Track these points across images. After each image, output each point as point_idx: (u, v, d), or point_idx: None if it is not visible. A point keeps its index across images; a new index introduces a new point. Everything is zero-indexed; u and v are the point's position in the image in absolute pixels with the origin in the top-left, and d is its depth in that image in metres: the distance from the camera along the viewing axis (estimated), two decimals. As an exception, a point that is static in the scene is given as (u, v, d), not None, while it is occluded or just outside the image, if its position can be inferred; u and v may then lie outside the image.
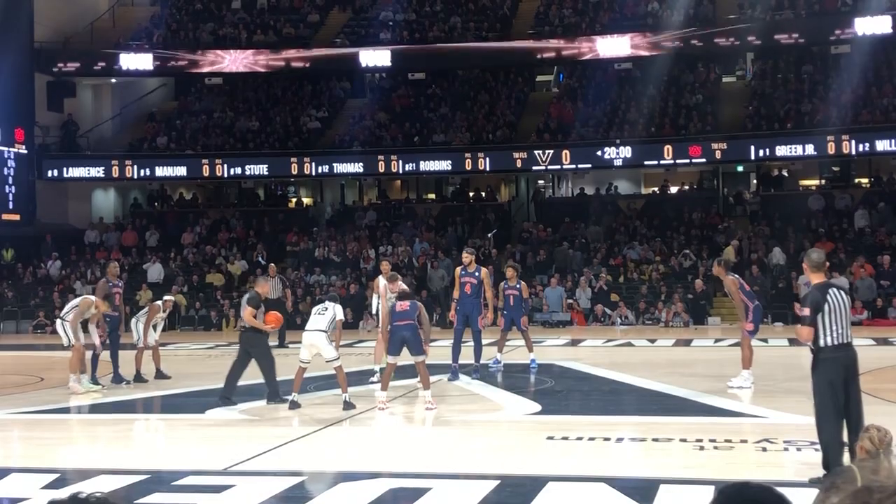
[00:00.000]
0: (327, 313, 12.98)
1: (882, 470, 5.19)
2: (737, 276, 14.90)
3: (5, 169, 32.50)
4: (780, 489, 7.22)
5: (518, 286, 16.89)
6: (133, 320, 16.72)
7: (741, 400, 13.12)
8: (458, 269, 15.79)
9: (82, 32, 36.89)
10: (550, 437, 10.49)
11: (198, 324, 29.78)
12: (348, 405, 12.66)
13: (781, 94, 34.06)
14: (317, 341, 12.86)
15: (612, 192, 35.43)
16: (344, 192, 38.51)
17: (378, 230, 34.15)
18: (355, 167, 34.39)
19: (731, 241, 29.89)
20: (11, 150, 32.75)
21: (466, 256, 15.79)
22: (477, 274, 15.60)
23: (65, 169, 34.86)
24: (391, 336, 12.88)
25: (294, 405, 12.81)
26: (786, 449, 9.67)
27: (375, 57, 35.01)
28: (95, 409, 13.67)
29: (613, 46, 33.70)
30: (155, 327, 16.58)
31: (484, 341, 16.04)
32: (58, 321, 15.54)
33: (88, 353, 15.43)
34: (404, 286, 14.22)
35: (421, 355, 12.83)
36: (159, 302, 16.74)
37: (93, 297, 15.40)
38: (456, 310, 15.71)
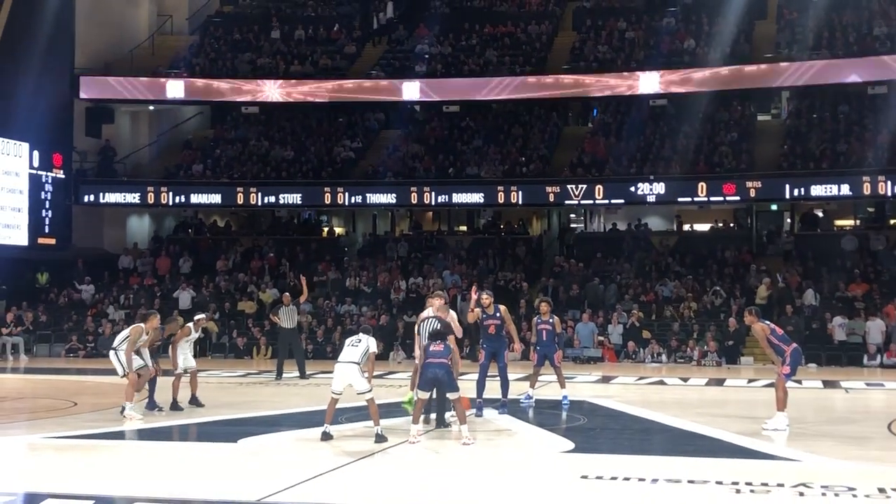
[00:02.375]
0: (360, 345, 12.97)
1: None
2: (768, 322, 14.74)
3: (43, 193, 32.89)
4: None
5: (551, 321, 16.82)
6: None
7: (776, 442, 12.97)
8: (479, 311, 15.53)
9: (122, 59, 37.37)
10: (584, 476, 10.41)
11: (228, 351, 29.88)
12: (380, 438, 12.63)
13: (817, 133, 33.95)
14: (349, 373, 12.85)
15: (641, 226, 35.34)
16: (376, 223, 38.64)
17: (409, 261, 34.21)
18: (388, 198, 34.53)
19: (763, 279, 29.72)
20: (49, 174, 33.16)
21: (486, 299, 15.62)
22: (498, 314, 15.56)
23: (101, 194, 35.21)
24: (423, 373, 12.86)
25: (326, 436, 12.80)
26: (823, 494, 9.54)
27: (414, 90, 35.26)
28: (129, 435, 13.70)
29: (648, 83, 33.72)
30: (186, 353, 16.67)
31: (515, 376, 15.97)
32: (111, 352, 15.50)
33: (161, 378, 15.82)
34: (447, 321, 14.06)
35: (456, 392, 12.83)
36: (190, 324, 16.77)
37: (143, 325, 15.45)
38: (483, 347, 15.64)
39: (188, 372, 16.38)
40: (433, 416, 14.35)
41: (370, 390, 12.89)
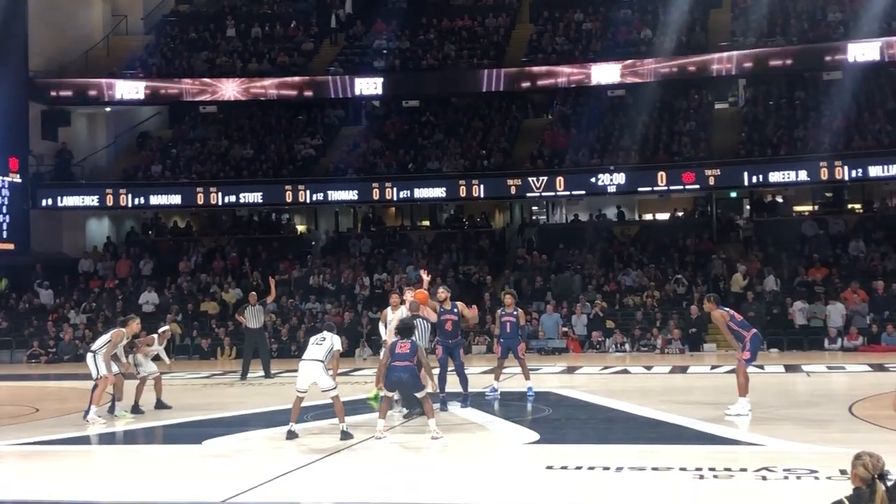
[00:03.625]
0: (325, 343, 12.96)
1: (878, 497, 5.18)
2: (727, 309, 14.81)
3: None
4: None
5: (515, 313, 16.87)
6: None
7: (739, 427, 13.10)
8: (435, 305, 15.47)
9: (77, 61, 36.98)
10: (549, 467, 10.46)
11: (192, 353, 29.69)
12: (346, 435, 12.63)
13: (774, 120, 34.26)
14: (314, 371, 12.84)
15: (602, 217, 35.54)
16: (338, 220, 38.54)
17: (373, 258, 34.16)
18: (350, 194, 34.45)
19: (737, 267, 29.81)
20: (6, 178, 32.73)
21: (442, 293, 15.73)
22: (455, 310, 15.64)
23: (59, 198, 34.80)
24: (388, 375, 12.81)
25: (292, 435, 12.77)
26: (786, 477, 9.65)
27: (370, 85, 35.18)
28: (92, 440, 13.60)
29: (606, 73, 33.87)
30: (157, 357, 16.63)
31: (480, 369, 16.02)
32: (89, 355, 15.41)
33: (127, 381, 15.73)
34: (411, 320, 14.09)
35: (421, 390, 12.87)
36: (154, 335, 16.73)
37: (124, 329, 15.34)
38: (438, 343, 15.62)
39: (151, 377, 16.29)
40: (404, 411, 14.45)
41: (335, 388, 12.88)
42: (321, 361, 12.85)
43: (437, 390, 15.01)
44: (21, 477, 11.28)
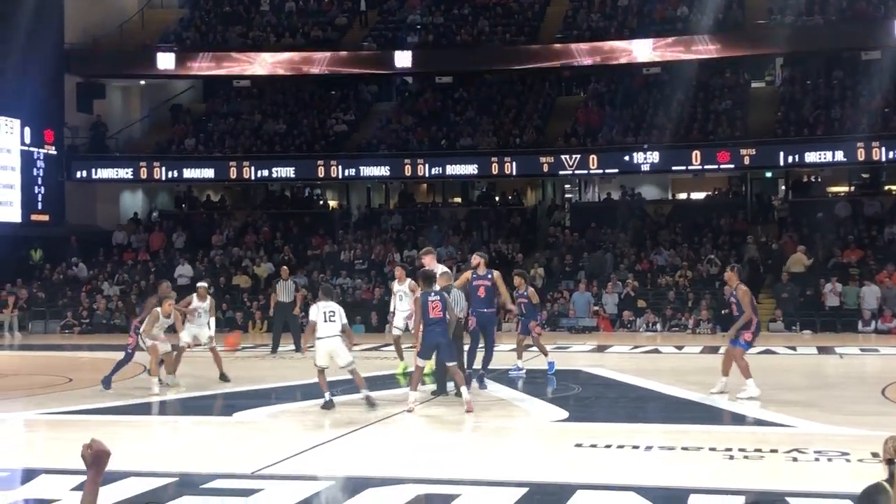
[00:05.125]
0: (336, 318, 12.98)
1: None
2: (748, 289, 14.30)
3: (34, 170, 32.76)
4: (810, 500, 7.12)
5: (526, 293, 16.86)
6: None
7: (769, 409, 12.99)
8: (469, 273, 15.11)
9: (111, 34, 37.14)
10: (578, 445, 10.43)
11: (224, 326, 29.82)
12: (369, 401, 12.80)
13: (811, 99, 33.85)
14: (334, 347, 12.90)
15: (635, 195, 35.31)
16: (370, 196, 38.55)
17: (403, 233, 34.16)
18: (381, 170, 34.44)
19: (798, 247, 29.36)
20: (41, 150, 33.02)
21: (476, 259, 15.29)
22: (489, 276, 15.00)
23: (93, 170, 35.08)
24: (425, 340, 12.86)
25: (329, 405, 12.89)
26: (817, 459, 9.57)
27: (403, 60, 35.11)
28: (123, 410, 13.71)
29: (642, 51, 33.59)
30: (209, 325, 16.53)
31: (504, 347, 16.02)
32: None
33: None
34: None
35: (453, 361, 12.91)
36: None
37: (159, 309, 15.34)
38: (472, 314, 14.95)
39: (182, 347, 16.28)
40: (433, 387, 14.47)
41: (353, 361, 13.05)
42: (339, 336, 12.92)
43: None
44: (51, 446, 11.40)
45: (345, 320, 13.08)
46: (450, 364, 13.02)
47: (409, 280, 16.17)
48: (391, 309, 16.89)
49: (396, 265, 17.02)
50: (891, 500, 4.37)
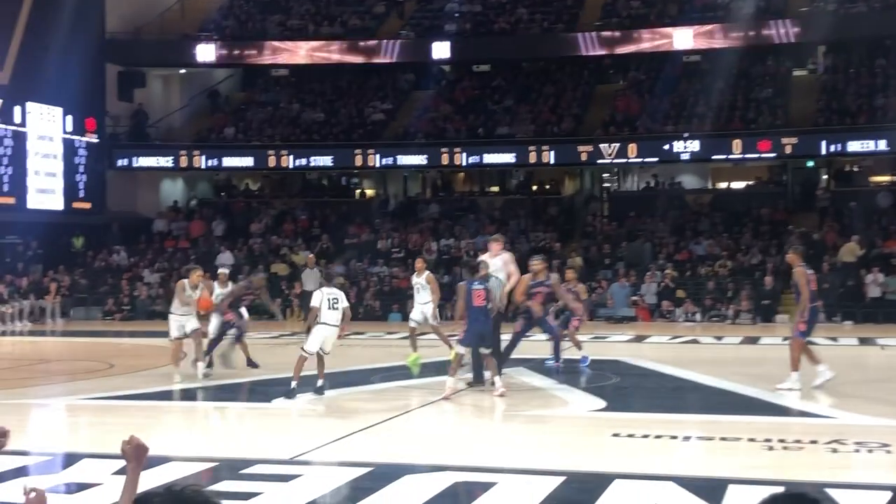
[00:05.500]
0: (339, 305, 13.07)
1: None
2: (810, 270, 14.05)
3: (76, 158, 33.10)
4: (850, 491, 7.07)
5: (576, 288, 16.82)
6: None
7: (810, 400, 12.88)
8: (528, 280, 14.77)
9: (152, 23, 37.41)
10: (616, 434, 10.40)
11: (262, 313, 29.99)
12: (319, 390, 13.14)
13: (853, 88, 33.43)
14: (331, 336, 13.15)
15: (675, 185, 35.08)
16: (407, 185, 38.60)
17: (440, 223, 34.17)
18: (419, 159, 34.45)
19: (852, 237, 29.01)
20: (83, 139, 33.35)
21: (537, 265, 15.01)
22: (548, 283, 15.03)
23: (134, 158, 35.40)
24: (470, 329, 12.96)
25: (291, 394, 12.92)
26: (857, 450, 9.48)
27: (441, 49, 35.08)
28: (164, 396, 13.84)
29: (682, 39, 33.33)
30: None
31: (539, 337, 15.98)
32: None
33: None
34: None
35: (489, 349, 13.06)
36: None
37: (186, 280, 15.20)
38: (523, 316, 14.88)
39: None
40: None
41: (328, 353, 13.26)
42: (338, 327, 13.12)
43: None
44: (92, 431, 11.54)
45: (345, 303, 13.16)
46: (485, 352, 13.05)
47: (427, 272, 16.37)
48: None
49: (418, 258, 17.01)
50: None
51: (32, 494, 3.38)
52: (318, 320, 13.05)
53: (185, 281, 15.15)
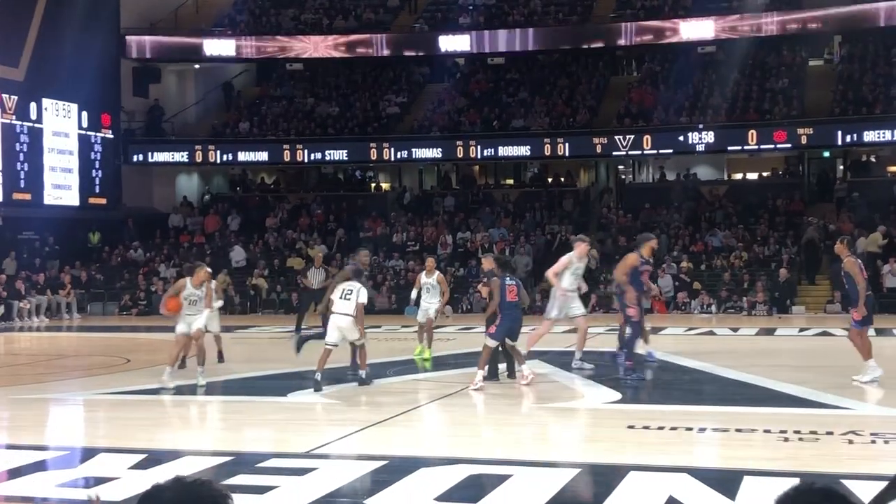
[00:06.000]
0: (352, 297, 13.12)
1: None
2: (859, 260, 13.81)
3: (92, 153, 33.24)
4: (866, 483, 7.03)
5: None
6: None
7: (825, 391, 12.83)
8: (635, 257, 14.34)
9: (167, 19, 37.51)
10: (631, 426, 10.38)
11: (279, 307, 30.14)
12: (363, 380, 13.35)
13: (870, 77, 33.25)
14: (345, 324, 13.10)
15: (690, 176, 34.98)
16: (422, 178, 38.61)
17: (456, 215, 34.17)
18: (434, 152, 34.47)
19: (878, 227, 28.86)
20: (98, 134, 33.49)
21: (653, 243, 14.88)
22: (651, 262, 14.92)
23: (150, 154, 35.54)
24: (502, 323, 13.04)
25: (318, 385, 13.00)
26: (873, 441, 9.45)
27: (455, 42, 35.05)
28: (180, 391, 13.88)
29: (697, 30, 33.21)
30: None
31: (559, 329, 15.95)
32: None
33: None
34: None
35: (516, 340, 13.30)
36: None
37: (188, 278, 14.27)
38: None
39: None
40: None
41: (362, 339, 13.38)
42: (352, 316, 13.02)
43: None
44: (109, 425, 11.60)
45: (362, 299, 13.17)
46: (512, 343, 13.17)
47: (437, 272, 16.46)
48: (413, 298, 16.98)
49: (429, 257, 17.00)
50: None
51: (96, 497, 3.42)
52: (331, 310, 13.27)
53: (188, 280, 14.51)
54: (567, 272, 14.86)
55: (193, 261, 16.23)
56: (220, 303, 16.36)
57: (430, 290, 16.34)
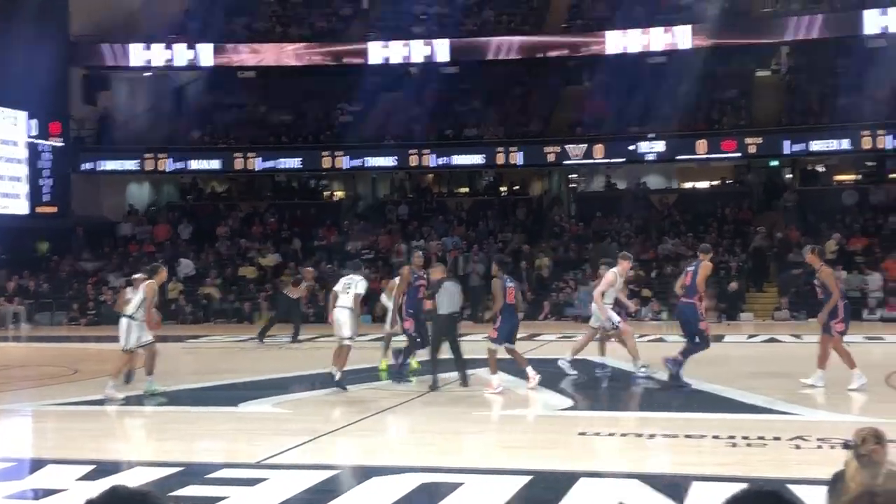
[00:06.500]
0: (351, 290, 13.26)
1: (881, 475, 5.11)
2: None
3: (40, 162, 32.86)
4: (812, 487, 7.10)
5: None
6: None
7: (773, 397, 12.99)
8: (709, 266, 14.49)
9: (117, 26, 37.12)
10: (582, 433, 10.46)
11: (231, 316, 29.95)
12: (338, 383, 13.42)
13: (816, 88, 33.77)
14: (341, 318, 13.22)
15: (641, 185, 35.32)
16: (376, 186, 38.58)
17: (409, 224, 34.19)
18: (388, 161, 34.47)
19: (832, 234, 29.21)
20: (47, 143, 33.11)
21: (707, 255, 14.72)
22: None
23: (99, 162, 35.19)
24: (506, 325, 13.32)
25: (342, 384, 13.41)
26: (819, 447, 9.59)
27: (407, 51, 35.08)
28: (129, 401, 13.75)
29: (645, 41, 33.52)
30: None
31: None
32: (123, 320, 14.10)
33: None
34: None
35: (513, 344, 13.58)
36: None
37: (152, 281, 14.08)
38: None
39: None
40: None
41: (349, 339, 13.53)
42: (349, 308, 13.29)
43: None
44: (58, 437, 11.46)
45: (359, 290, 13.40)
46: (511, 347, 13.55)
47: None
48: (388, 306, 16.05)
49: (406, 266, 16.46)
50: (845, 483, 4.45)
51: None
52: (336, 304, 13.55)
53: (153, 281, 14.33)
54: (611, 289, 15.02)
55: (151, 265, 15.73)
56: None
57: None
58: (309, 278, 23.76)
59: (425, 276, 14.85)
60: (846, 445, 5.10)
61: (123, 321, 13.98)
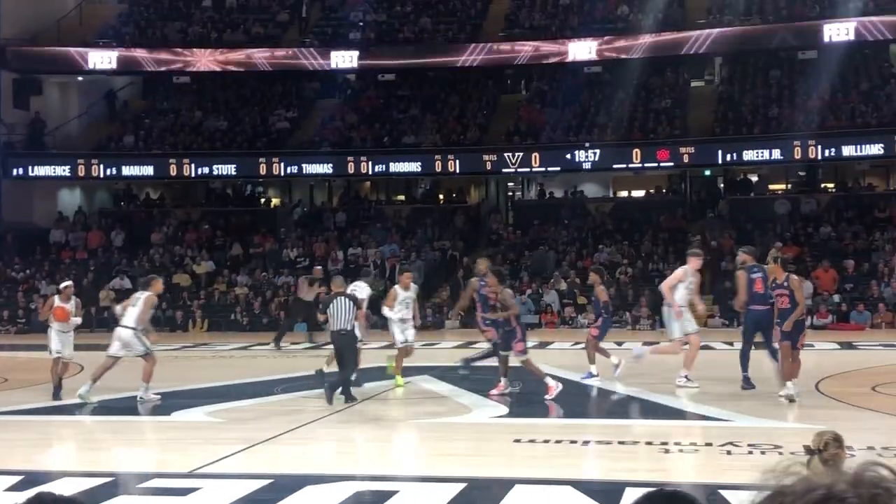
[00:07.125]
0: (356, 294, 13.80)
1: (802, 473, 5.19)
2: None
3: (-31, 167, 32.18)
4: (742, 493, 7.19)
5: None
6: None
7: (705, 403, 13.17)
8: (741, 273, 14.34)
9: (49, 29, 36.56)
10: (517, 440, 10.50)
11: (164, 324, 29.52)
12: (355, 382, 13.93)
13: (749, 98, 34.33)
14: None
15: (577, 193, 35.62)
16: (313, 193, 38.39)
17: (347, 231, 34.07)
18: (324, 168, 34.30)
19: (775, 243, 29.44)
20: (-24, 147, 32.43)
21: (743, 256, 14.65)
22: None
23: (30, 167, 34.52)
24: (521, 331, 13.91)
25: (359, 382, 14.10)
26: (750, 452, 9.73)
27: (345, 58, 35.00)
28: (59, 411, 13.52)
29: (583, 50, 33.84)
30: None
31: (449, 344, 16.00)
32: (130, 332, 14.01)
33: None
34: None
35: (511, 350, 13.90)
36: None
37: (151, 292, 14.26)
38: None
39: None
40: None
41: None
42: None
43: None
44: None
45: (361, 295, 14.11)
46: (503, 353, 13.92)
47: (414, 286, 15.30)
48: (390, 315, 14.92)
49: (406, 272, 15.64)
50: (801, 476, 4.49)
51: None
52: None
53: (152, 294, 14.27)
54: (681, 286, 14.68)
55: (146, 277, 15.76)
56: (77, 320, 15.26)
57: (408, 306, 14.96)
58: (320, 276, 23.19)
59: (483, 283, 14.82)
60: (808, 451, 5.19)
61: (128, 332, 13.96)
